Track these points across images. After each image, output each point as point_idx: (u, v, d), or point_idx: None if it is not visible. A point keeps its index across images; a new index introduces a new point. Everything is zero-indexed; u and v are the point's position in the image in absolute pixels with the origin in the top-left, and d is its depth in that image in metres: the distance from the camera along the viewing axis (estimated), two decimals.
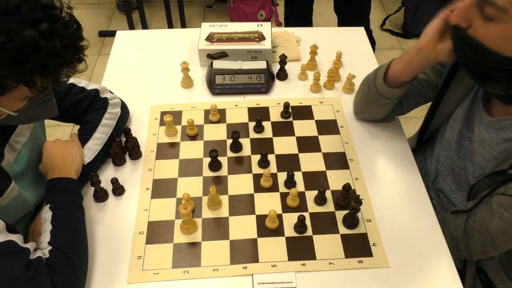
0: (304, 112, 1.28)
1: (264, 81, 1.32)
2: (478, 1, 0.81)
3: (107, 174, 1.12)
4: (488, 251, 0.99)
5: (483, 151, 1.00)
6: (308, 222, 1.02)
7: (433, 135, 1.23)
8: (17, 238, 0.83)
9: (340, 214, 1.04)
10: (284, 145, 1.19)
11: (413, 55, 1.01)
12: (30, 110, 0.87)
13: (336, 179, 1.11)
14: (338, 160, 1.16)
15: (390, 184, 1.12)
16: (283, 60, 1.36)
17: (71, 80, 1.14)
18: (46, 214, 0.93)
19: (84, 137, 1.11)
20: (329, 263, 0.96)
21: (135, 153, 1.15)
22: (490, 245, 0.97)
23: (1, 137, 0.94)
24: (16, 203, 0.97)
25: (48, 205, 0.94)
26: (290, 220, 1.03)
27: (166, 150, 1.18)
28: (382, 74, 1.10)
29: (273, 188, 1.10)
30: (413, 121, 2.14)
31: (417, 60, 1.01)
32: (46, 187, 0.98)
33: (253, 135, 1.22)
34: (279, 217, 1.03)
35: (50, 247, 0.87)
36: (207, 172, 1.13)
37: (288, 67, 1.39)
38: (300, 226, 1.00)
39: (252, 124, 1.24)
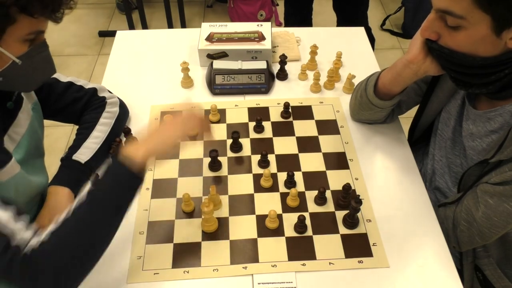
0: (304, 112, 1.28)
1: (264, 81, 1.32)
2: (439, 14, 0.85)
3: None
4: (475, 240, 1.00)
5: (473, 144, 1.02)
6: (308, 222, 1.02)
7: (429, 134, 1.23)
8: (6, 215, 0.77)
9: (340, 214, 1.04)
10: (284, 145, 1.19)
11: (401, 68, 1.02)
12: (32, 61, 0.87)
13: (336, 179, 1.11)
14: (338, 160, 1.16)
15: (390, 184, 1.12)
16: (283, 60, 1.36)
17: (70, 79, 1.15)
18: (82, 195, 0.81)
19: (82, 136, 1.11)
20: (329, 263, 0.96)
21: None
22: (477, 234, 0.98)
23: (0, 128, 0.94)
24: (17, 180, 0.94)
25: (91, 188, 0.80)
26: (290, 220, 1.03)
27: None
28: (372, 85, 1.11)
29: (273, 188, 1.10)
30: None
31: (406, 73, 1.01)
32: (111, 159, 0.82)
33: (253, 135, 1.22)
34: (279, 217, 1.03)
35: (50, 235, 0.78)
36: (207, 172, 1.13)
37: (288, 67, 1.39)
38: (300, 226, 1.00)
39: (252, 124, 1.24)
